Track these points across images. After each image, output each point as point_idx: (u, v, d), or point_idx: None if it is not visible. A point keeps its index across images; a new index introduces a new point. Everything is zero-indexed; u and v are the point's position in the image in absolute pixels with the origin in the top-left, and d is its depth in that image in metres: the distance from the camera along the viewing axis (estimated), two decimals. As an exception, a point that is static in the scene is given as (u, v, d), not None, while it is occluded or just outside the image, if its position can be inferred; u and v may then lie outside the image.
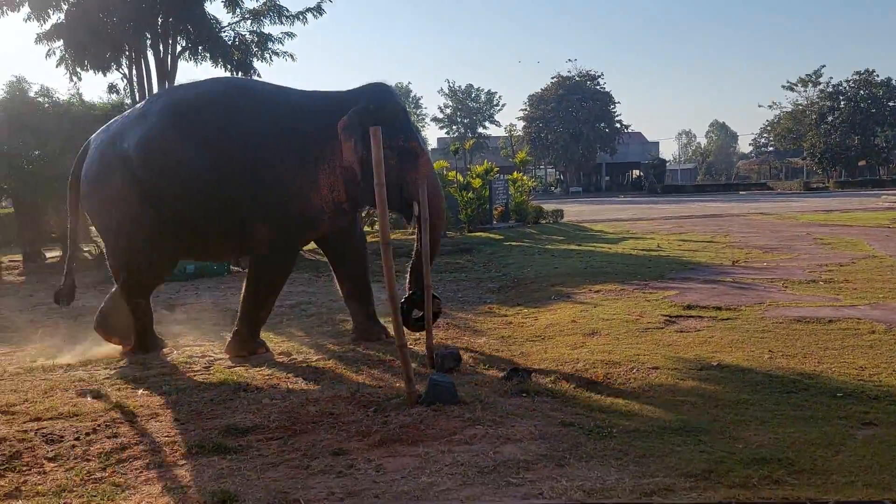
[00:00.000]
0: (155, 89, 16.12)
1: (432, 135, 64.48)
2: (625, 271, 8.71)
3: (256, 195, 5.04)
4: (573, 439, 3.26)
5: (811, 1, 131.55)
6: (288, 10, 16.95)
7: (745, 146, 78.52)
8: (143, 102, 5.81)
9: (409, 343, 4.36)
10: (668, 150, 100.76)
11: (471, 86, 62.19)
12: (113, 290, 5.56)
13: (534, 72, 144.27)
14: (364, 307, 5.67)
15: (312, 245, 6.34)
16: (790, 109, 51.98)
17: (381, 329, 5.63)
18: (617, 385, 4.17)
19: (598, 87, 51.18)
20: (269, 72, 29.86)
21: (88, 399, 4.19)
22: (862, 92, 48.15)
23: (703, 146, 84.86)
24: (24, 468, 3.15)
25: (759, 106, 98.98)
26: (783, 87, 51.66)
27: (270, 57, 17.36)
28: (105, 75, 16.88)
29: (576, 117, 49.46)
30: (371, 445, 3.27)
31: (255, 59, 17.24)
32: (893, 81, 47.37)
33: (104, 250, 6.07)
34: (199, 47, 16.97)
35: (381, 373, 4.65)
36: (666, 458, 3.01)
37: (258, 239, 5.13)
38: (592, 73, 51.69)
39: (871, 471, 2.82)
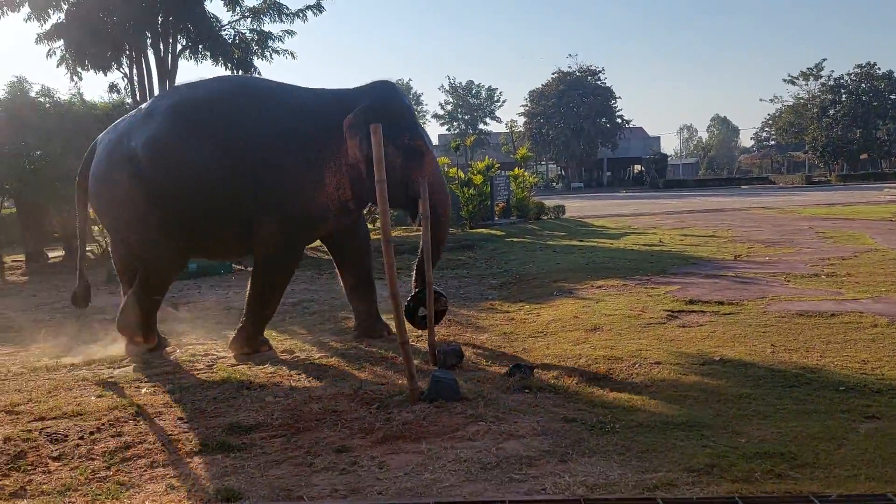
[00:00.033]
0: (156, 88, 16.12)
1: (433, 132, 64.29)
2: (627, 267, 8.71)
3: (262, 193, 5.04)
4: (576, 435, 3.27)
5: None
6: (288, 8, 16.95)
7: (746, 140, 78.50)
8: (149, 101, 5.80)
9: (411, 340, 4.37)
10: (670, 145, 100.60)
11: (471, 82, 62.19)
12: (132, 288, 5.50)
13: (534, 67, 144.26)
14: (367, 304, 5.68)
15: (315, 242, 6.35)
16: (792, 103, 51.88)
17: (384, 326, 5.64)
18: (619, 380, 4.17)
19: (598, 83, 51.12)
20: (270, 70, 29.83)
21: (93, 398, 4.20)
22: (863, 85, 48.04)
23: (704, 141, 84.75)
24: (29, 467, 3.16)
25: (761, 100, 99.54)
26: (784, 80, 51.66)
27: (271, 55, 17.35)
28: (106, 75, 16.88)
29: (577, 113, 49.39)
30: (374, 442, 3.28)
31: (255, 58, 17.24)
32: (895, 74, 47.25)
33: (109, 249, 6.07)
34: (200, 46, 16.95)
35: (383, 370, 4.66)
36: (669, 452, 3.01)
37: (264, 237, 5.13)
38: (593, 68, 51.67)
39: (874, 464, 2.82)
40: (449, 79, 65.59)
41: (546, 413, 3.59)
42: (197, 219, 5.15)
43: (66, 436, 3.53)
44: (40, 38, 16.08)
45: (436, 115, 62.68)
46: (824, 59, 69.86)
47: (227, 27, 17.23)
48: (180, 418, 3.80)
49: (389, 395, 3.96)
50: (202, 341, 5.84)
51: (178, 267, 5.68)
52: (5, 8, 15.21)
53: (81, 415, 3.87)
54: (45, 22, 15.85)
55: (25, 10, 15.48)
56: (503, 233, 14.39)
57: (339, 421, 3.60)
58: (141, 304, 5.31)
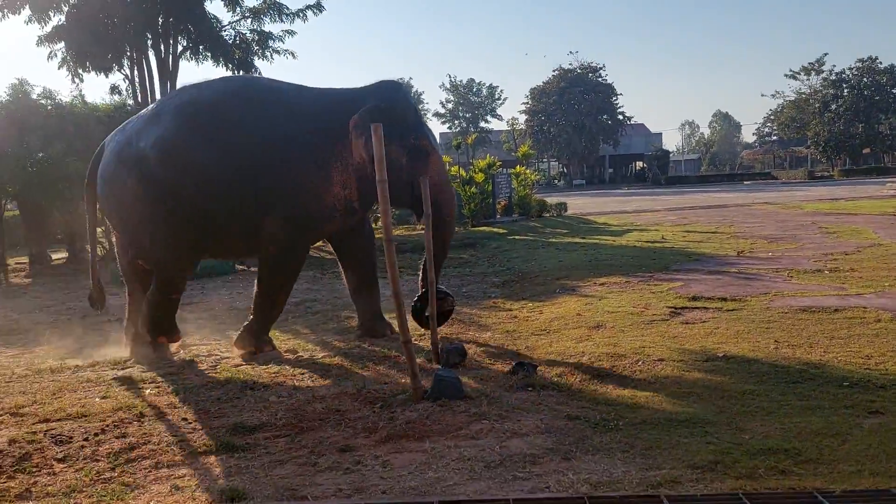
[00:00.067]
0: (157, 89, 16.15)
1: (434, 130, 63.65)
2: (629, 263, 8.70)
3: (268, 193, 5.05)
4: (579, 432, 3.27)
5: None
6: (288, 8, 16.94)
7: (748, 136, 78.31)
8: (156, 102, 5.85)
9: (414, 339, 4.37)
10: (672, 141, 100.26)
11: (472, 80, 62.13)
12: (150, 290, 5.48)
13: (535, 65, 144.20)
14: (370, 303, 5.69)
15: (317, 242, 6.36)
16: (793, 98, 51.82)
17: (387, 325, 5.65)
18: (623, 378, 4.17)
19: (599, 79, 51.02)
20: (271, 70, 29.75)
21: (97, 400, 4.21)
22: (865, 79, 47.94)
23: (706, 136, 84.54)
24: (34, 469, 3.18)
25: (763, 95, 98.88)
26: (786, 75, 51.68)
27: (271, 55, 17.34)
28: (107, 76, 16.88)
29: (578, 110, 49.32)
30: (377, 441, 3.29)
31: (256, 58, 17.24)
32: (897, 68, 47.18)
33: (115, 250, 6.08)
34: (200, 47, 16.95)
35: (386, 369, 4.67)
36: (672, 449, 3.02)
37: (271, 237, 5.15)
38: (594, 65, 51.56)
39: (878, 460, 2.82)
40: (450, 77, 65.63)
41: (549, 411, 3.60)
42: (206, 218, 5.17)
43: (71, 437, 3.54)
44: (41, 41, 16.11)
45: (437, 114, 62.70)
46: (826, 54, 69.48)
47: (227, 28, 17.23)
48: (184, 419, 3.81)
49: (393, 394, 3.96)
50: (205, 342, 5.86)
51: (191, 265, 5.70)
52: (6, 11, 15.24)
53: (86, 416, 3.88)
54: (45, 24, 15.89)
55: (26, 12, 15.51)
56: (505, 231, 14.38)
57: (343, 420, 3.60)
58: (160, 304, 5.35)
